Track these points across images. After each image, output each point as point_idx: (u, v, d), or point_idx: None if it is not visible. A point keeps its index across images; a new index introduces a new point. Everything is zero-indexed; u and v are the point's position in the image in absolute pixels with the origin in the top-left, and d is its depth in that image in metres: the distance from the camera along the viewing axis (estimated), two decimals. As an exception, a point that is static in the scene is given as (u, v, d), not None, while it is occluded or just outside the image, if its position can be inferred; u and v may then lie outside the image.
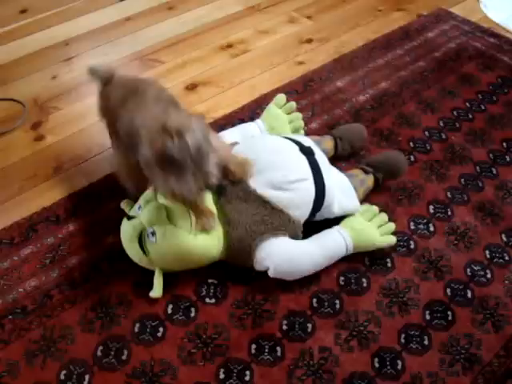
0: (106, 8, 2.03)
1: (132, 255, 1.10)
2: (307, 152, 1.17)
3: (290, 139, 1.20)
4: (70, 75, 1.72)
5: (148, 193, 1.11)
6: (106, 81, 1.15)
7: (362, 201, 1.23)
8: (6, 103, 1.61)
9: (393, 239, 1.16)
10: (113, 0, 2.07)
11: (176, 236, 1.04)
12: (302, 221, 1.14)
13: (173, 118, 0.91)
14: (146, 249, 1.06)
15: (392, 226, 1.18)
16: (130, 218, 1.09)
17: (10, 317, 1.07)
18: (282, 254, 1.08)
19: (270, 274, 1.09)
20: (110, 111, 1.12)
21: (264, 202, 1.10)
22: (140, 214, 1.07)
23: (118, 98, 1.09)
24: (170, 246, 1.05)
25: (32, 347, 1.03)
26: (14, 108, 1.59)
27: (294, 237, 1.12)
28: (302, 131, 1.40)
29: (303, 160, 1.15)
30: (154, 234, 1.04)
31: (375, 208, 1.20)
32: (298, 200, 1.12)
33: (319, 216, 1.17)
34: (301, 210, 1.13)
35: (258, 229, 1.08)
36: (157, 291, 1.06)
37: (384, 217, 1.19)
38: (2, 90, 1.66)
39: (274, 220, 1.09)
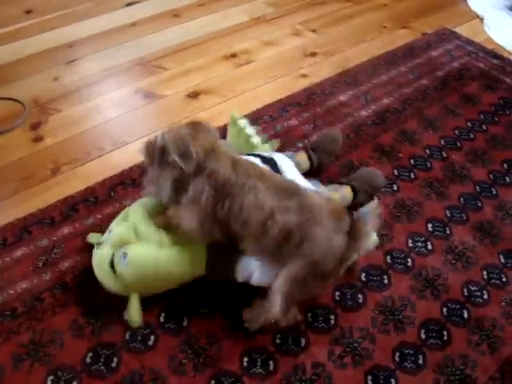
0: (112, 12, 2.04)
1: (107, 284, 1.04)
2: (269, 162, 1.16)
3: (252, 154, 1.17)
4: (72, 77, 1.72)
5: (118, 217, 1.09)
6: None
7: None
8: (6, 103, 1.59)
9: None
10: (119, 5, 2.07)
11: (148, 251, 1.00)
12: None
13: None
14: (118, 275, 1.01)
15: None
16: (99, 246, 1.05)
17: (-1, 319, 1.05)
18: None
19: (254, 280, 1.02)
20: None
21: None
22: (110, 236, 1.04)
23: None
24: (144, 262, 0.99)
25: (20, 351, 1.00)
26: (14, 108, 1.58)
27: None
28: (271, 145, 1.31)
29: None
30: (125, 255, 0.99)
31: None
32: None
33: None
34: None
35: None
36: (133, 318, 1.00)
37: None
38: (3, 90, 1.65)
39: None
